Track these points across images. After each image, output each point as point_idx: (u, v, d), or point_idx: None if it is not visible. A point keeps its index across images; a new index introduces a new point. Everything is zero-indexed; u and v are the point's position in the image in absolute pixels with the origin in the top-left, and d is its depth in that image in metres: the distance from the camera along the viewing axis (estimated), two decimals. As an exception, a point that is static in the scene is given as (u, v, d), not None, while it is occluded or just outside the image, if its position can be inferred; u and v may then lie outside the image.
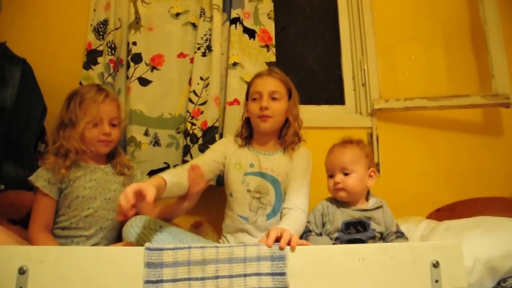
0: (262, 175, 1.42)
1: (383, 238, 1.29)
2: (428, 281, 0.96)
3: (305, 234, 1.29)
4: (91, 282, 0.91)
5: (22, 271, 0.89)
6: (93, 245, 1.28)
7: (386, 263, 0.97)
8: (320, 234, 1.29)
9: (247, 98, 1.52)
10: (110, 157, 1.41)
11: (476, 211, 1.46)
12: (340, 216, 1.28)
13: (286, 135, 1.45)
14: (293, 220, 1.28)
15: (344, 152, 1.32)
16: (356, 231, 1.24)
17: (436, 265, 0.97)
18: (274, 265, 0.95)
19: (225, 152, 1.48)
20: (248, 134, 1.51)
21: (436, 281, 0.96)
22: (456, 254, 0.99)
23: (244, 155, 1.46)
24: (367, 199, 1.34)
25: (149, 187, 1.00)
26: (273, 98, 1.42)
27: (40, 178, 1.27)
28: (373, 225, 1.26)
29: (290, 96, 1.48)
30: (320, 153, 1.41)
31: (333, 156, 1.34)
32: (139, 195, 0.99)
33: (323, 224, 1.30)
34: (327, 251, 0.99)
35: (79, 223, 1.27)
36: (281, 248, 0.97)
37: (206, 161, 1.42)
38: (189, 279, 0.93)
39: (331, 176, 1.33)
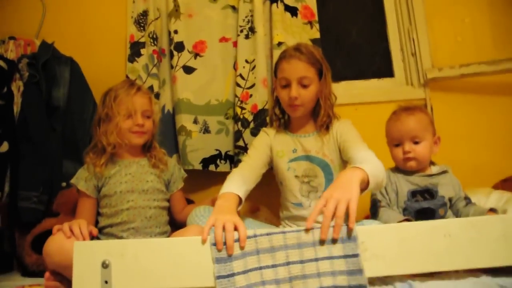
0: (307, 158, 1.38)
1: (452, 204, 1.23)
2: (524, 255, 0.90)
3: (375, 206, 1.26)
4: (169, 273, 0.90)
5: (105, 265, 0.89)
6: (143, 235, 1.29)
7: (475, 238, 0.91)
8: (388, 204, 1.26)
9: (275, 75, 1.42)
10: (145, 151, 1.43)
11: (550, 179, 1.37)
12: (405, 185, 1.24)
13: (318, 117, 1.37)
14: (369, 162, 1.09)
15: (412, 119, 1.26)
16: (423, 199, 1.20)
17: (531, 237, 0.90)
18: (346, 247, 0.91)
19: (268, 143, 1.42)
20: (282, 114, 1.45)
21: (534, 253, 0.90)
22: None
23: (285, 142, 1.41)
24: (429, 166, 1.29)
25: (240, 223, 0.96)
26: (303, 85, 1.32)
27: (80, 180, 1.32)
28: (441, 192, 1.20)
29: (321, 75, 1.35)
30: (373, 129, 1.35)
31: (400, 124, 1.27)
32: None
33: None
34: (411, 228, 0.94)
35: (124, 217, 1.29)
36: (350, 230, 0.90)
37: (256, 160, 1.37)
38: (260, 268, 0.90)
39: (397, 145, 1.27)
